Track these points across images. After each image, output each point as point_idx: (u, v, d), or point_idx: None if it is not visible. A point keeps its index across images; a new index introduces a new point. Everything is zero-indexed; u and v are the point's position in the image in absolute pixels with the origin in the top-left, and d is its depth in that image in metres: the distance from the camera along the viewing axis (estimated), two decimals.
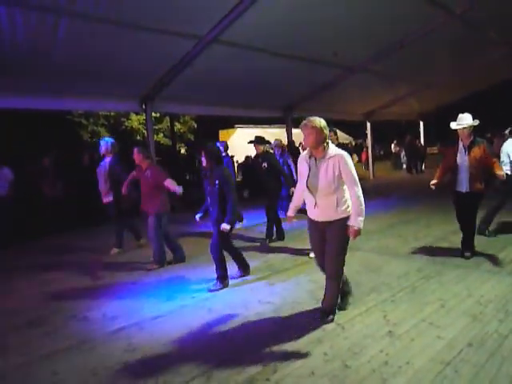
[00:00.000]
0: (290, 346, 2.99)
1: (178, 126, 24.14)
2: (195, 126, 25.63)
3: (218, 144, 7.58)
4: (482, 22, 8.43)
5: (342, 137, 29.43)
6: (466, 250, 4.89)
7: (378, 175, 16.48)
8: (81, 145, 21.53)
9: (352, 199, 3.17)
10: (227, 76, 8.47)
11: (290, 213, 3.66)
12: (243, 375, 2.66)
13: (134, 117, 23.18)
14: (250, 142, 6.59)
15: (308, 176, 3.24)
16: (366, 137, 16.23)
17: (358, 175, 3.17)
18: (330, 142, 3.24)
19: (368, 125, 15.41)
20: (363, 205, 3.15)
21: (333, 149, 3.20)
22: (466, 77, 12.31)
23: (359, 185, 3.16)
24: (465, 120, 4.62)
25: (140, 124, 23.12)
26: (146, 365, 2.87)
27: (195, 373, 2.72)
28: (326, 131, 3.17)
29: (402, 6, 7.20)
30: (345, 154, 3.17)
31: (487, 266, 4.55)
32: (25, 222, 8.07)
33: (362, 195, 3.15)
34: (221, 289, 4.31)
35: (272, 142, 8.41)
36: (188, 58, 7.37)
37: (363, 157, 23.81)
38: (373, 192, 12.56)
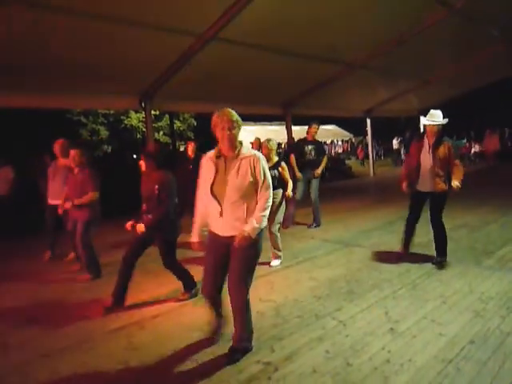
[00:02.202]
0: (291, 344, 2.98)
1: (177, 123, 24.13)
2: (195, 123, 25.62)
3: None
4: (481, 17, 8.38)
5: (342, 134, 29.46)
6: (438, 255, 4.61)
7: (378, 172, 16.46)
8: (80, 143, 21.52)
9: (259, 204, 2.72)
10: (226, 73, 8.44)
11: (195, 237, 2.90)
12: (244, 374, 2.65)
13: (133, 115, 23.16)
14: None
15: (214, 179, 2.73)
16: (367, 134, 16.20)
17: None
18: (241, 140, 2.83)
19: (368, 121, 15.37)
20: (267, 214, 2.75)
21: (246, 147, 2.78)
22: (466, 73, 12.27)
23: (271, 192, 2.78)
24: (437, 117, 4.40)
25: (139, 122, 23.10)
26: (146, 364, 2.86)
27: (196, 372, 2.71)
28: (241, 124, 2.74)
29: (401, 0, 7.16)
30: (260, 154, 2.77)
31: (488, 263, 4.55)
32: (24, 219, 8.06)
33: (270, 203, 2.76)
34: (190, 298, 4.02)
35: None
36: (187, 55, 7.34)
37: (360, 154, 23.84)
38: (373, 189, 12.56)
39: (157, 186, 3.81)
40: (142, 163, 3.94)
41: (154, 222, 3.81)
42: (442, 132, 4.44)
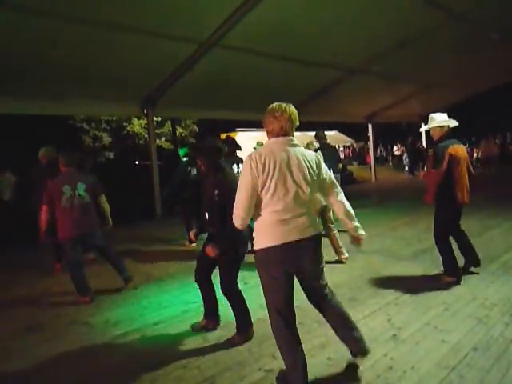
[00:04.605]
0: None
1: (179, 129, 24.24)
2: (197, 129, 25.73)
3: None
4: (482, 22, 8.42)
5: (344, 139, 29.46)
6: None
7: (380, 177, 16.44)
8: (83, 149, 21.63)
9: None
10: (228, 79, 8.49)
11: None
12: (246, 381, 2.64)
13: (135, 121, 23.32)
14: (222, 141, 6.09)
15: None
16: (368, 139, 16.22)
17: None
18: None
19: (370, 127, 15.39)
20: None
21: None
22: (467, 77, 12.30)
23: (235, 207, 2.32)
24: (430, 120, 4.16)
25: (142, 128, 23.24)
26: (148, 371, 2.84)
27: (198, 379, 2.70)
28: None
29: (402, 6, 7.21)
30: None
31: (491, 268, 4.51)
32: (26, 225, 8.08)
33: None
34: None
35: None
36: (189, 62, 7.39)
37: (368, 159, 23.87)
38: (375, 194, 12.54)
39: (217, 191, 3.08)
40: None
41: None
42: (445, 135, 4.08)
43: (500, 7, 7.81)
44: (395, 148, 22.42)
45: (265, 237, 2.30)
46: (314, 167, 2.39)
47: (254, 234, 2.38)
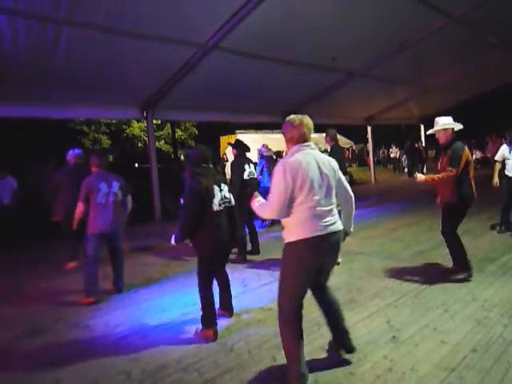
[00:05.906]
0: None
1: (179, 132, 24.26)
2: (196, 132, 25.75)
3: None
4: (480, 24, 8.45)
5: (344, 141, 29.51)
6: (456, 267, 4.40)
7: (380, 179, 16.46)
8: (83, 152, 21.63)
9: None
10: (227, 82, 8.50)
11: None
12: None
13: (135, 124, 23.34)
14: (229, 144, 6.35)
15: None
16: (368, 141, 16.24)
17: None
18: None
19: (369, 129, 15.42)
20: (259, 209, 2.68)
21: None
22: (466, 80, 12.33)
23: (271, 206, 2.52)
24: (435, 124, 4.35)
25: (141, 131, 23.26)
26: (148, 374, 2.85)
27: (198, 382, 2.70)
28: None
29: (401, 9, 7.23)
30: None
31: (491, 269, 4.53)
32: (27, 228, 8.09)
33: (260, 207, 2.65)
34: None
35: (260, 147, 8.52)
36: (188, 65, 7.41)
37: (368, 161, 23.95)
38: (374, 196, 12.55)
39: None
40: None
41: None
42: (450, 138, 4.23)
43: (496, 10, 7.82)
44: (390, 150, 22.49)
45: (300, 229, 2.49)
46: (335, 170, 2.66)
47: (286, 229, 2.56)
